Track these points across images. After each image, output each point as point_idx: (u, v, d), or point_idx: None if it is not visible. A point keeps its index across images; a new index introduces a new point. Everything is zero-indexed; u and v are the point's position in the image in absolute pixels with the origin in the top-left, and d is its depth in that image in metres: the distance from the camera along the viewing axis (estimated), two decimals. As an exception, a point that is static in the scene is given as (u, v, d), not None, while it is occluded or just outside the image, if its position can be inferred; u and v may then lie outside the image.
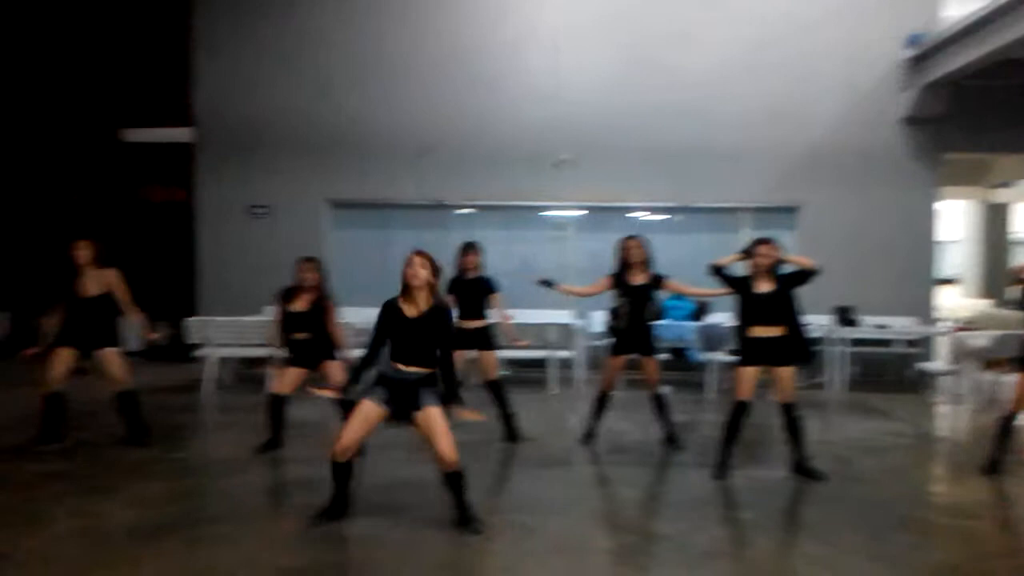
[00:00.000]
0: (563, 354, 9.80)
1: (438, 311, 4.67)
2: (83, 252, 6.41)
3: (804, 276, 5.81)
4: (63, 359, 6.42)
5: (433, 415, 4.54)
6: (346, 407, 4.77)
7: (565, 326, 9.59)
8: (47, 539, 4.56)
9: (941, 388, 10.02)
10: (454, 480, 4.60)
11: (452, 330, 4.76)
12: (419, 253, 4.68)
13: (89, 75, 13.11)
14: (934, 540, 4.77)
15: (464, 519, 4.63)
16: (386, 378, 4.63)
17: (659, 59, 10.87)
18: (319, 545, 4.44)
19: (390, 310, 4.66)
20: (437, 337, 4.64)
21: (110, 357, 6.51)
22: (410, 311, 4.62)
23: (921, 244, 10.90)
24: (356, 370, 4.78)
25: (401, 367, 4.60)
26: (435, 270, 4.69)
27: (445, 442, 4.50)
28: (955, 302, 20.06)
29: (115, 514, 4.97)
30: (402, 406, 4.60)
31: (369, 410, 4.58)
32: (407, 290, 4.63)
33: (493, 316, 6.93)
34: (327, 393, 4.70)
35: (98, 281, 6.42)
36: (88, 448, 6.49)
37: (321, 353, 6.33)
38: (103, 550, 4.35)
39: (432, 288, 4.68)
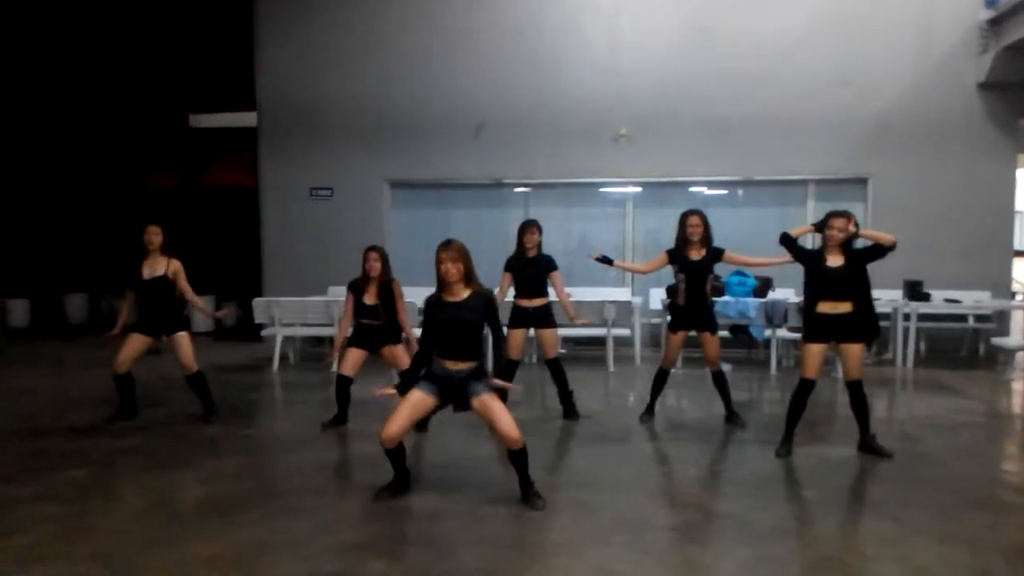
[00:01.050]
0: (621, 331, 9.77)
1: (479, 297, 4.68)
2: (154, 237, 6.60)
3: (879, 252, 5.57)
4: (132, 344, 6.63)
5: (488, 401, 4.59)
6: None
7: (623, 303, 9.53)
8: (123, 513, 4.76)
9: (1016, 364, 9.67)
10: (518, 457, 4.64)
11: (496, 313, 4.75)
12: (445, 247, 4.64)
13: (157, 62, 13.49)
14: (1007, 520, 4.61)
15: (527, 495, 4.67)
16: (435, 375, 4.69)
17: (721, 27, 10.60)
18: (383, 519, 4.53)
19: (433, 302, 4.72)
20: (481, 323, 4.65)
21: (180, 341, 6.68)
22: (451, 300, 4.67)
23: (999, 215, 10.47)
24: (412, 370, 4.82)
25: (448, 364, 4.65)
26: (466, 258, 4.65)
27: (506, 423, 4.54)
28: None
29: (189, 488, 5.17)
30: (454, 400, 4.68)
31: (418, 400, 4.64)
32: (444, 286, 4.67)
33: (552, 294, 6.93)
34: (388, 392, 4.78)
35: (163, 267, 6.60)
36: (162, 425, 6.73)
37: (386, 338, 6.46)
38: (177, 523, 4.52)
39: (469, 276, 4.66)
